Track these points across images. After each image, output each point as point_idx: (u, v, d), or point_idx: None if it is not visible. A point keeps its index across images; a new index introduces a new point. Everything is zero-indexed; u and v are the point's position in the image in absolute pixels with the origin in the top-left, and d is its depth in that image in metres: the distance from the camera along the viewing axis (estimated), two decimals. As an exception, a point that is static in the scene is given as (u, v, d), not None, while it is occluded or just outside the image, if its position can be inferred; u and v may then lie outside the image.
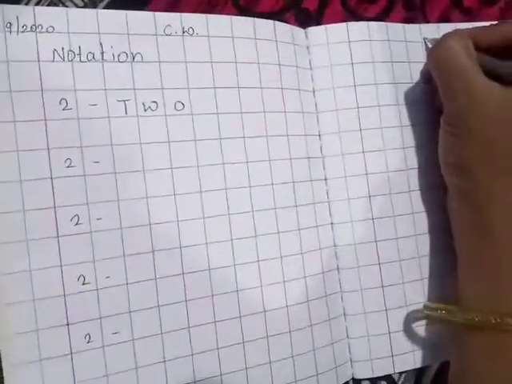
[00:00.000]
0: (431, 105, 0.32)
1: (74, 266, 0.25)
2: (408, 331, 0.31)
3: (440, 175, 0.30)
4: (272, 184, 0.29)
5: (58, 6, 0.30)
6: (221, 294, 0.28)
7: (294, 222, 0.30)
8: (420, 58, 0.33)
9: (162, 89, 0.28)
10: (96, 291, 0.26)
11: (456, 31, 0.29)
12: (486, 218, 0.27)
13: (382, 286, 0.31)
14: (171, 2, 0.31)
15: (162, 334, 0.26)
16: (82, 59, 0.26)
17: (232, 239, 0.28)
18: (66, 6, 0.30)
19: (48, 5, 0.30)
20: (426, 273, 0.31)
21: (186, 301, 0.27)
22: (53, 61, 0.26)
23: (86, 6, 0.31)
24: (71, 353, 0.25)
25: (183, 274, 0.27)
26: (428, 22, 0.35)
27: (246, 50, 0.30)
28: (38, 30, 0.26)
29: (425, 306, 0.30)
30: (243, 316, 0.28)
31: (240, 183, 0.29)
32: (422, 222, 0.32)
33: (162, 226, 0.27)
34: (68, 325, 0.25)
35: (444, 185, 0.30)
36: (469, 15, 0.36)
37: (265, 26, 0.30)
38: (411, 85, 0.33)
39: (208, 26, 0.29)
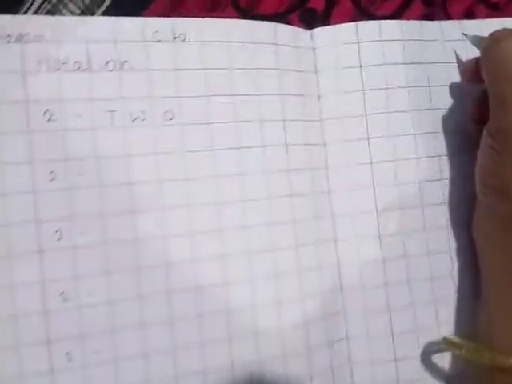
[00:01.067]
0: (453, 111, 0.30)
1: (55, 282, 0.25)
2: (417, 359, 0.28)
3: (458, 191, 0.27)
4: (269, 198, 0.27)
5: (54, 14, 0.30)
6: (209, 314, 0.26)
7: (291, 237, 0.28)
8: (439, 58, 0.30)
9: (151, 98, 0.26)
10: (78, 308, 0.25)
11: (505, 30, 0.25)
12: None
13: (389, 310, 0.28)
14: (170, 7, 0.29)
15: (145, 354, 0.25)
16: (69, 68, 0.26)
17: (223, 256, 0.27)
18: (63, 14, 0.30)
19: (46, 13, 0.30)
20: (439, 296, 0.29)
21: (171, 321, 0.26)
22: (38, 71, 0.25)
23: (82, 13, 0.30)
24: (52, 371, 0.24)
25: (169, 292, 0.26)
26: (450, 18, 0.32)
27: (243, 55, 0.28)
28: (24, 40, 0.25)
29: (445, 340, 0.27)
30: (233, 338, 0.26)
31: (233, 197, 0.27)
32: (436, 239, 0.29)
33: (148, 242, 0.26)
34: (49, 342, 0.24)
35: (464, 201, 0.27)
36: (496, 10, 0.32)
37: (264, 28, 0.28)
38: (428, 89, 0.30)
39: (201, 31, 0.27)
